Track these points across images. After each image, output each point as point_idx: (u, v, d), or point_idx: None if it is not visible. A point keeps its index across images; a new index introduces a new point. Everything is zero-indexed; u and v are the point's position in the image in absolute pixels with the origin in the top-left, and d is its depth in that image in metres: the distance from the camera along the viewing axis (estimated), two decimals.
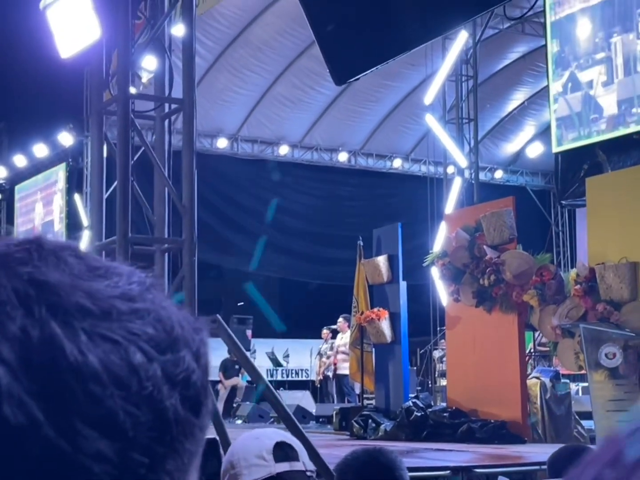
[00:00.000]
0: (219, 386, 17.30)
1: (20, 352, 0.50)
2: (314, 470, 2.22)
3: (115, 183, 6.57)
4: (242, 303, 22.98)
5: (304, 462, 2.14)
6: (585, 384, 11.36)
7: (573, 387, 12.34)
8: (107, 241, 6.37)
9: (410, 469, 7.94)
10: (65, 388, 0.50)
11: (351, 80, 4.69)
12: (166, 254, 6.47)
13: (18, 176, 23.74)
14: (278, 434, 2.21)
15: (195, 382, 0.56)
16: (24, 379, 0.49)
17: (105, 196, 7.04)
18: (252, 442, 2.14)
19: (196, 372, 0.56)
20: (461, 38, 16.63)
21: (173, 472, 0.54)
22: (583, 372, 10.81)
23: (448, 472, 8.03)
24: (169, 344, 0.55)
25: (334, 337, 16.78)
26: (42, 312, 0.51)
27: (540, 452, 9.47)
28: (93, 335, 0.52)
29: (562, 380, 11.85)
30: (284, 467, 2.06)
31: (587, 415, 10.93)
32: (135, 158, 6.62)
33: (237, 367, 16.55)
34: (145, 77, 8.37)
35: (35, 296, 0.52)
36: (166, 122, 6.60)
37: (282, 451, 2.09)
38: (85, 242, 18.93)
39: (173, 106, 6.59)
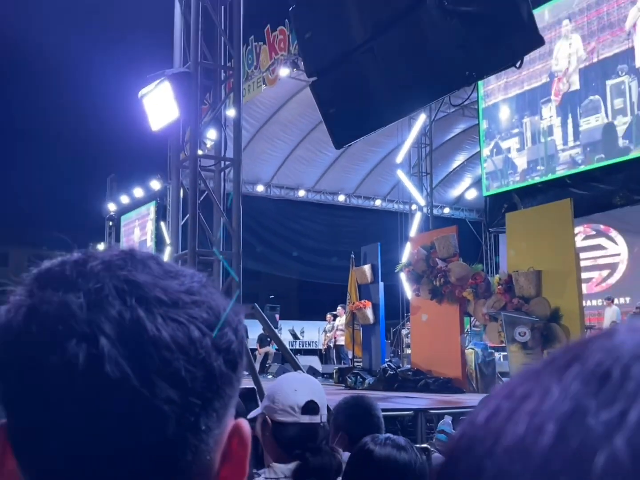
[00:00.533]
0: (257, 352, 17.22)
1: (117, 329, 0.51)
2: (326, 421, 2.10)
3: (188, 215, 6.60)
4: (272, 296, 22.97)
5: (322, 415, 2.04)
6: (505, 353, 11.25)
7: (497, 355, 12.18)
8: (181, 253, 6.38)
9: (385, 410, 7.88)
10: (146, 353, 0.51)
11: (346, 145, 4.67)
12: (221, 263, 6.47)
13: (123, 210, 23.79)
14: (311, 389, 2.08)
15: (233, 349, 0.57)
16: (119, 347, 0.51)
17: (181, 223, 7.05)
18: (291, 392, 2.01)
19: (234, 342, 0.57)
20: (421, 118, 16.66)
21: (218, 409, 0.56)
22: (503, 345, 10.72)
23: (411, 412, 7.94)
24: (217, 324, 0.56)
25: (334, 319, 16.71)
26: (132, 302, 0.53)
27: (473, 399, 9.38)
28: (166, 318, 0.53)
29: (489, 350, 11.74)
30: (306, 419, 2.00)
31: (506, 375, 10.82)
32: (201, 198, 6.61)
33: (268, 339, 16.47)
34: (208, 144, 8.36)
35: (128, 291, 0.53)
36: (222, 173, 6.61)
37: (309, 407, 2.00)
38: (167, 254, 18.96)
39: (227, 163, 6.61)
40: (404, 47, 3.67)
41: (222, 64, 6.48)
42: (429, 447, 3.43)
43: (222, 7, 6.38)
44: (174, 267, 0.59)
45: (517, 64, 3.53)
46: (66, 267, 0.56)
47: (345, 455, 2.54)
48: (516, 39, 3.42)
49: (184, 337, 0.53)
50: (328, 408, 2.15)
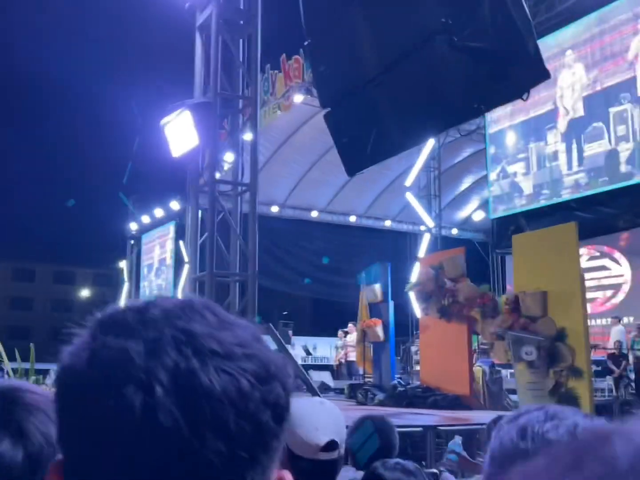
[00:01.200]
0: None
1: (172, 378, 0.52)
2: (343, 453, 2.00)
3: (206, 234, 6.60)
4: (286, 312, 22.91)
5: (340, 450, 1.95)
6: (512, 370, 11.11)
7: (503, 372, 12.04)
8: (199, 275, 6.40)
9: (396, 426, 7.79)
10: (198, 405, 0.51)
11: (358, 173, 4.67)
12: (237, 283, 6.46)
13: (144, 229, 23.90)
14: (333, 425, 1.96)
15: (282, 404, 0.56)
16: (173, 396, 0.51)
17: (199, 242, 7.05)
18: (312, 430, 1.90)
19: (283, 397, 0.57)
20: (430, 143, 16.62)
21: (264, 462, 0.55)
22: (510, 363, 10.59)
23: (420, 428, 7.84)
24: (266, 378, 0.55)
25: (345, 336, 16.61)
26: (188, 352, 0.53)
27: (482, 416, 9.24)
28: (218, 370, 0.53)
29: (496, 368, 11.60)
30: (324, 456, 1.94)
31: (513, 391, 10.68)
32: (218, 218, 6.62)
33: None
34: (226, 167, 8.42)
35: (185, 341, 0.54)
36: (238, 198, 6.62)
37: (328, 447, 1.91)
38: (185, 272, 19.01)
39: (243, 188, 6.62)
40: (415, 81, 3.67)
41: (240, 93, 6.53)
42: (437, 472, 3.36)
43: (241, 40, 6.44)
44: (228, 318, 0.59)
45: (524, 97, 3.51)
46: (128, 314, 0.57)
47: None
48: (523, 72, 3.41)
49: (235, 389, 0.53)
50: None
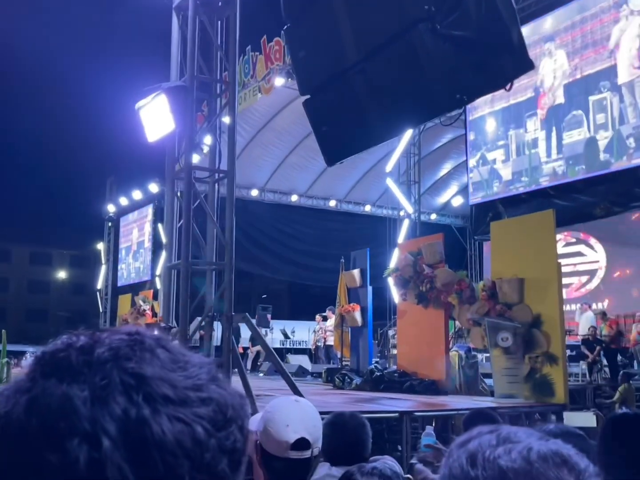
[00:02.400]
0: (249, 351, 17.11)
1: (121, 428, 0.46)
2: (317, 453, 1.96)
3: (182, 222, 6.48)
4: (265, 296, 22.88)
5: (313, 449, 1.91)
6: (488, 355, 11.19)
7: (479, 357, 12.11)
8: (175, 263, 6.28)
9: (372, 412, 7.80)
10: (150, 457, 0.47)
11: (338, 162, 4.57)
12: (214, 272, 6.35)
13: (122, 211, 23.62)
14: (304, 423, 1.92)
15: (239, 448, 0.52)
16: (122, 449, 0.46)
17: (176, 227, 6.90)
18: (283, 427, 1.88)
19: (240, 440, 0.52)
20: (410, 129, 16.59)
21: None
22: (486, 348, 10.66)
23: (397, 414, 7.86)
24: (224, 423, 0.51)
25: (324, 320, 16.62)
26: (139, 399, 0.48)
27: (458, 402, 9.32)
28: (171, 418, 0.48)
29: (472, 353, 11.68)
30: (295, 454, 1.89)
31: (489, 376, 10.76)
32: (195, 204, 6.48)
33: None
34: (205, 149, 8.26)
35: (135, 386, 0.48)
36: (216, 185, 6.50)
37: (299, 445, 1.88)
38: (163, 258, 18.85)
39: (221, 175, 6.48)
40: (396, 69, 3.58)
41: (218, 77, 6.37)
42: (410, 477, 3.33)
43: (219, 22, 6.27)
44: (182, 356, 0.55)
45: (507, 87, 3.44)
46: (72, 353, 0.51)
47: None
48: (507, 62, 3.34)
49: (190, 439, 0.49)
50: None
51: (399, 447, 7.65)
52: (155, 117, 5.59)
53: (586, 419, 3.15)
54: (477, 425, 0.81)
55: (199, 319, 6.44)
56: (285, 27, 4.26)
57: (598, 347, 12.86)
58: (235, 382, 5.90)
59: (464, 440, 0.75)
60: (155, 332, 0.57)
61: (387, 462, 2.46)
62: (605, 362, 13.18)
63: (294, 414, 1.94)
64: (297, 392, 5.72)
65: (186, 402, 0.50)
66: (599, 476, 0.72)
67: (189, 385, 0.51)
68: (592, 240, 17.52)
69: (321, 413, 2.09)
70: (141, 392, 0.49)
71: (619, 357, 13.45)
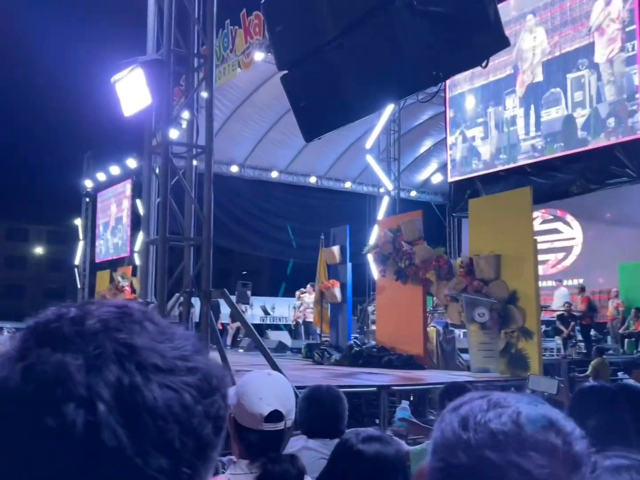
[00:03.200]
0: (229, 327, 17.15)
1: (115, 394, 0.49)
2: (291, 425, 1.99)
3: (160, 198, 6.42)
4: (245, 272, 22.87)
5: (286, 421, 1.94)
6: (465, 330, 11.36)
7: (457, 332, 12.29)
8: (153, 239, 6.24)
9: (350, 386, 7.89)
10: (142, 422, 0.50)
11: (316, 138, 4.57)
12: (192, 248, 6.33)
13: (100, 186, 23.35)
14: (276, 396, 1.95)
15: (222, 415, 0.56)
16: (116, 414, 0.49)
17: (154, 203, 6.85)
18: (256, 400, 1.91)
19: (223, 408, 0.56)
20: (390, 105, 16.53)
21: (203, 475, 0.55)
22: (463, 324, 10.80)
23: (374, 388, 7.97)
24: (209, 391, 0.54)
25: (302, 295, 16.67)
26: (131, 368, 0.50)
27: (435, 376, 9.47)
28: (162, 385, 0.51)
29: (450, 328, 11.83)
30: (269, 426, 1.91)
31: (465, 351, 10.92)
32: (173, 182, 6.44)
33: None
34: (184, 124, 8.16)
35: (127, 355, 0.51)
36: (193, 159, 6.45)
37: (272, 417, 1.90)
38: (140, 236, 18.71)
39: (198, 150, 6.43)
40: (374, 45, 3.57)
41: (195, 51, 6.29)
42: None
43: None
44: (169, 328, 0.57)
45: (483, 64, 3.45)
46: (64, 324, 0.53)
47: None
48: (482, 39, 3.35)
49: (179, 405, 0.52)
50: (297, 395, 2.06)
51: (377, 421, 7.77)
52: (132, 91, 5.51)
53: (549, 385, 3.26)
54: (452, 398, 0.85)
55: (178, 294, 6.44)
56: (263, 0, 4.22)
57: (572, 323, 13.10)
58: (214, 358, 5.92)
59: (456, 405, 0.79)
60: (142, 306, 0.59)
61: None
62: (580, 337, 13.44)
63: (266, 387, 1.97)
64: (275, 367, 5.78)
65: (174, 370, 0.53)
66: (584, 439, 0.76)
67: (177, 355, 0.54)
68: (569, 217, 17.73)
69: (300, 388, 2.12)
70: (133, 361, 0.51)
71: (593, 332, 13.71)
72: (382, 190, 17.78)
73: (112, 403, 0.49)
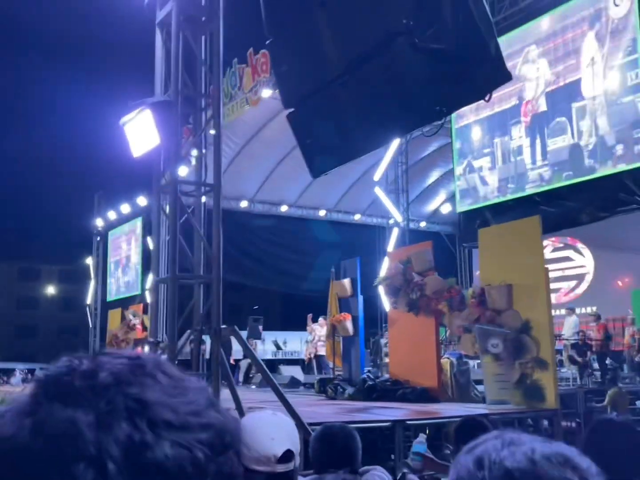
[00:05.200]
0: (240, 362, 17.06)
1: (125, 453, 0.47)
2: (298, 465, 1.96)
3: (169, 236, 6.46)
4: (256, 307, 22.84)
5: (295, 461, 1.91)
6: (479, 361, 11.22)
7: (471, 363, 12.15)
8: (162, 277, 6.26)
9: (364, 421, 7.79)
10: None
11: (323, 174, 4.62)
12: (202, 285, 6.34)
13: (111, 225, 23.54)
14: (288, 435, 1.91)
15: (236, 473, 0.54)
16: (126, 473, 0.47)
17: (164, 241, 6.88)
18: (268, 441, 1.86)
19: (236, 465, 0.54)
20: (393, 141, 16.69)
21: None
22: (477, 355, 10.69)
23: (389, 423, 7.87)
24: (222, 449, 0.53)
25: (316, 321, 16.57)
26: (143, 425, 0.49)
27: (450, 409, 9.34)
28: (174, 443, 0.49)
29: (464, 360, 11.71)
30: (281, 468, 1.89)
31: (481, 382, 10.77)
32: (181, 220, 6.48)
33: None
34: (193, 161, 8.25)
35: (139, 411, 0.50)
36: (202, 197, 6.51)
37: (286, 457, 1.87)
38: (151, 274, 18.74)
39: (207, 188, 6.48)
40: (377, 81, 3.63)
41: (203, 92, 6.40)
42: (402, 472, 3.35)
43: (203, 36, 6.32)
44: (181, 381, 0.56)
45: (487, 98, 3.49)
46: (75, 378, 0.52)
47: None
48: (485, 74, 3.39)
49: (191, 464, 0.50)
50: (303, 424, 2.02)
51: (392, 456, 7.65)
52: (140, 132, 5.60)
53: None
54: (468, 433, 0.85)
55: (189, 332, 6.43)
56: (268, 41, 4.31)
57: (588, 352, 12.93)
58: (226, 396, 5.88)
59: (471, 447, 0.79)
60: (155, 355, 0.59)
61: (377, 473, 2.47)
62: (596, 366, 13.25)
63: (276, 428, 1.94)
64: (286, 404, 5.72)
65: (187, 427, 0.51)
66: (601, 476, 0.75)
67: (189, 410, 0.52)
68: (580, 245, 17.65)
69: (313, 424, 2.10)
70: (144, 417, 0.50)
71: (609, 361, 13.52)
72: (391, 221, 17.81)
73: (122, 462, 0.47)
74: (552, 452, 0.74)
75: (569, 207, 13.04)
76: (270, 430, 1.92)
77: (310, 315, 16.76)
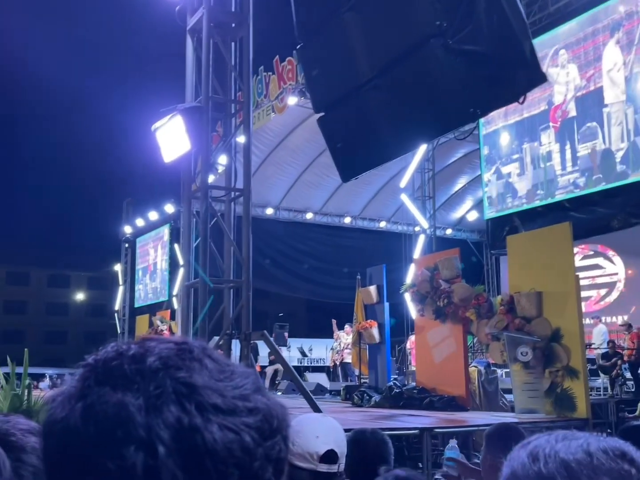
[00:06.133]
0: (266, 369, 17.07)
1: (175, 436, 0.48)
2: (342, 470, 1.94)
3: (199, 240, 6.49)
4: (281, 314, 22.90)
5: (340, 464, 1.89)
6: (508, 370, 11.06)
7: (499, 372, 11.99)
8: (193, 282, 6.30)
9: (392, 429, 7.74)
10: (202, 465, 0.48)
11: (353, 178, 4.60)
12: (231, 290, 6.36)
13: (139, 232, 23.81)
14: (334, 437, 1.90)
15: (283, 458, 0.54)
16: (177, 456, 0.48)
17: (193, 246, 6.92)
18: (313, 438, 1.86)
19: (284, 450, 0.54)
20: (424, 144, 16.61)
21: None
22: (506, 363, 10.55)
23: (417, 431, 7.79)
24: (270, 433, 0.52)
25: (342, 328, 16.54)
26: (191, 408, 0.49)
27: (478, 417, 9.22)
28: (222, 427, 0.49)
29: (492, 368, 11.56)
30: (323, 468, 1.86)
31: (509, 391, 10.62)
32: (211, 224, 6.52)
33: None
34: (220, 169, 8.30)
35: (187, 395, 0.49)
36: (232, 203, 6.54)
37: (328, 457, 1.85)
38: (180, 276, 18.88)
39: (237, 193, 6.52)
40: (409, 85, 3.60)
41: (232, 98, 6.44)
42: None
43: (233, 43, 6.36)
44: (227, 365, 0.56)
45: (520, 100, 3.45)
46: (124, 362, 0.52)
47: None
48: (519, 76, 3.35)
49: (239, 448, 0.50)
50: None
51: (420, 465, 7.58)
52: (172, 138, 5.65)
53: None
54: (502, 439, 0.83)
55: (216, 338, 6.45)
56: (298, 46, 4.31)
57: (619, 361, 12.68)
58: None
59: (524, 443, 0.78)
60: (201, 341, 0.58)
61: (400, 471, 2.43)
62: (628, 375, 13.00)
63: (322, 427, 1.94)
64: (317, 409, 5.70)
65: (235, 411, 0.51)
66: None
67: (237, 394, 0.52)
68: (611, 253, 17.35)
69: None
70: (193, 401, 0.50)
71: None
72: (417, 228, 17.72)
73: (172, 445, 0.48)
74: (608, 445, 0.74)
75: (600, 214, 12.85)
76: (316, 428, 1.92)
77: (335, 321, 16.73)
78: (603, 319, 15.53)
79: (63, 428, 0.50)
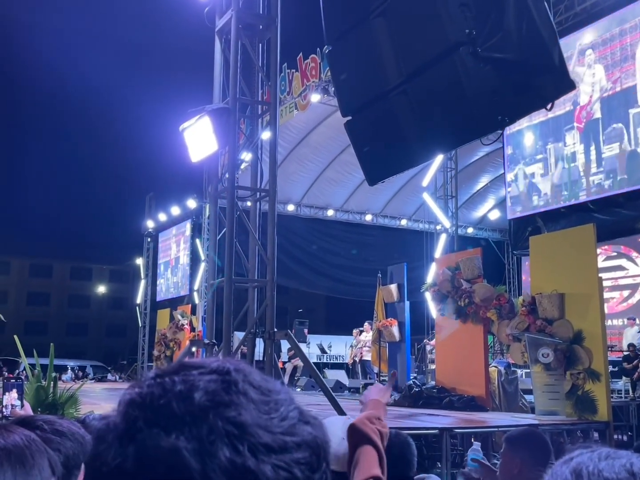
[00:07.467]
0: (287, 365, 17.16)
1: (227, 478, 0.48)
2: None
3: (223, 233, 6.55)
4: (301, 310, 22.97)
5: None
6: (528, 370, 11.02)
7: (519, 372, 11.95)
8: (218, 281, 6.38)
9: (411, 428, 7.77)
10: None
11: (379, 182, 4.64)
12: (256, 289, 6.43)
13: (161, 227, 24.02)
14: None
15: None
16: None
17: (217, 239, 6.99)
18: (338, 439, 1.89)
19: (330, 477, 0.56)
20: (451, 151, 16.54)
21: None
22: (526, 364, 10.51)
23: (436, 430, 7.81)
24: (318, 465, 0.54)
25: (360, 334, 16.57)
26: (244, 450, 0.49)
27: (497, 418, 9.21)
28: (274, 467, 0.50)
29: (512, 369, 11.53)
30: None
31: (529, 391, 10.60)
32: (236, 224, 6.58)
33: None
34: (243, 165, 8.39)
35: (239, 437, 0.50)
36: (257, 203, 6.60)
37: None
38: (201, 270, 19.01)
39: (262, 194, 6.58)
40: (437, 91, 3.64)
41: (259, 99, 6.50)
42: None
43: (260, 44, 6.42)
44: (268, 392, 0.55)
45: (549, 107, 3.46)
46: (172, 400, 0.51)
47: None
48: (548, 83, 3.36)
49: None
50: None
51: (439, 464, 7.60)
52: (199, 138, 5.73)
53: None
54: (526, 444, 0.86)
55: (236, 334, 6.54)
56: (327, 50, 4.36)
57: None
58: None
59: (566, 459, 0.79)
60: (239, 364, 0.58)
61: None
62: None
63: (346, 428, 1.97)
64: (337, 406, 5.76)
65: (285, 448, 0.52)
66: None
67: (285, 429, 0.53)
68: (634, 254, 17.16)
69: None
70: (245, 442, 0.50)
71: None
72: (439, 227, 17.66)
73: None
74: None
75: (625, 216, 12.72)
76: (342, 430, 1.94)
77: (368, 325, 16.74)
78: (625, 320, 15.38)
79: (117, 474, 0.49)
